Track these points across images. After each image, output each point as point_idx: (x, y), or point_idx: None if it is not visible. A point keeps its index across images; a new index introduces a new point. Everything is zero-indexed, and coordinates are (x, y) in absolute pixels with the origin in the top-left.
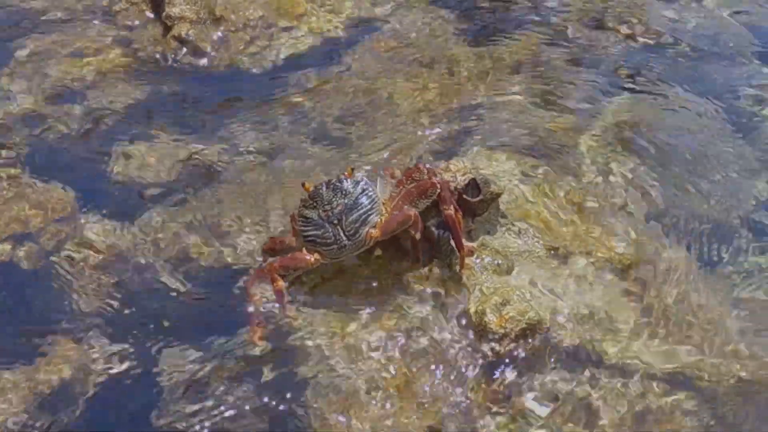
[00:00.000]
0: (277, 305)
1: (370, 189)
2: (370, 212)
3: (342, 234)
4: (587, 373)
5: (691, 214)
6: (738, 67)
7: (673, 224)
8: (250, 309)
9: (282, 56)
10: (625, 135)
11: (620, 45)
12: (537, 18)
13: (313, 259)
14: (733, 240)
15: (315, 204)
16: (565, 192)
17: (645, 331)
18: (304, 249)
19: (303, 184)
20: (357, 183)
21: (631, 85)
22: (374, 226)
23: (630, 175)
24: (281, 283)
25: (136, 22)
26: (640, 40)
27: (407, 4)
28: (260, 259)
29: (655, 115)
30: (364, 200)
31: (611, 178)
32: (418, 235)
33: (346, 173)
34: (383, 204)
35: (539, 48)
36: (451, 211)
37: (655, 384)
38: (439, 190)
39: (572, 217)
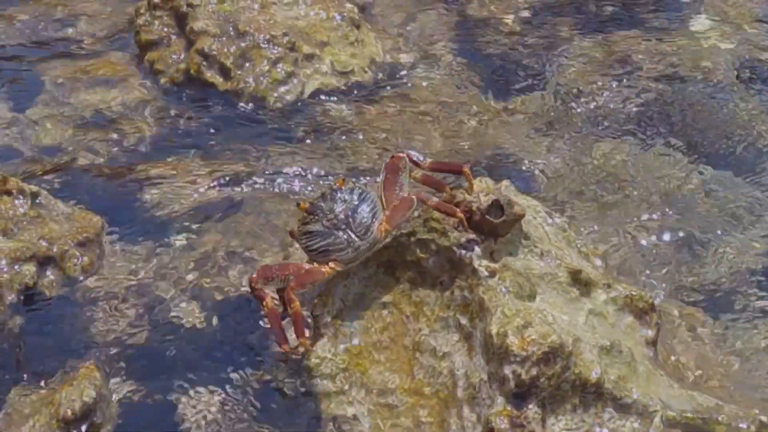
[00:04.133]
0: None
1: (366, 192)
2: (374, 210)
3: (354, 236)
4: (606, 410)
5: (713, 259)
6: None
7: (693, 268)
8: (266, 314)
9: (306, 90)
10: (649, 185)
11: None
12: (559, 68)
13: (328, 269)
14: (755, 287)
15: (316, 217)
16: (589, 236)
17: (663, 374)
18: (314, 264)
19: (298, 204)
20: (352, 190)
21: (657, 138)
22: (382, 222)
23: (654, 223)
24: (299, 305)
25: (160, 40)
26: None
27: (433, 52)
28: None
29: (680, 169)
30: (364, 203)
31: (636, 226)
32: (434, 200)
33: (337, 184)
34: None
35: (565, 98)
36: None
37: (672, 427)
38: (405, 158)
39: (594, 260)
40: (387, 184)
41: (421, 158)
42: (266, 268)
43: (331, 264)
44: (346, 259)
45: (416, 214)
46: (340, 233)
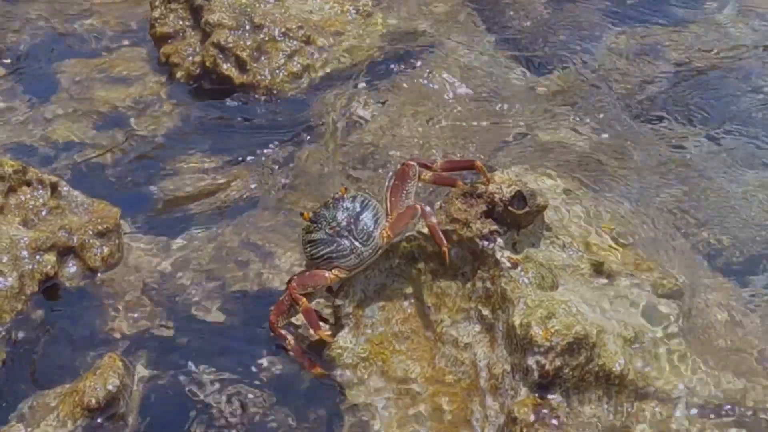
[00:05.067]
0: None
1: (368, 199)
2: (376, 217)
3: (357, 243)
4: (630, 397)
5: (738, 241)
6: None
7: (718, 251)
8: (291, 349)
9: (322, 80)
10: (673, 164)
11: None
12: (584, 49)
13: (332, 275)
14: None
15: (320, 226)
16: (610, 215)
17: (689, 358)
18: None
19: (302, 214)
20: (354, 198)
21: (682, 120)
22: (384, 228)
23: (675, 201)
24: (306, 301)
25: (175, 33)
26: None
27: (446, 31)
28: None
29: (699, 149)
30: (366, 210)
31: (657, 205)
32: (432, 220)
33: (339, 193)
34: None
35: (586, 78)
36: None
37: (698, 413)
38: (416, 166)
39: (615, 241)
40: (394, 189)
41: (431, 161)
42: (280, 304)
43: (335, 271)
44: (350, 266)
45: (437, 205)
46: (343, 240)
